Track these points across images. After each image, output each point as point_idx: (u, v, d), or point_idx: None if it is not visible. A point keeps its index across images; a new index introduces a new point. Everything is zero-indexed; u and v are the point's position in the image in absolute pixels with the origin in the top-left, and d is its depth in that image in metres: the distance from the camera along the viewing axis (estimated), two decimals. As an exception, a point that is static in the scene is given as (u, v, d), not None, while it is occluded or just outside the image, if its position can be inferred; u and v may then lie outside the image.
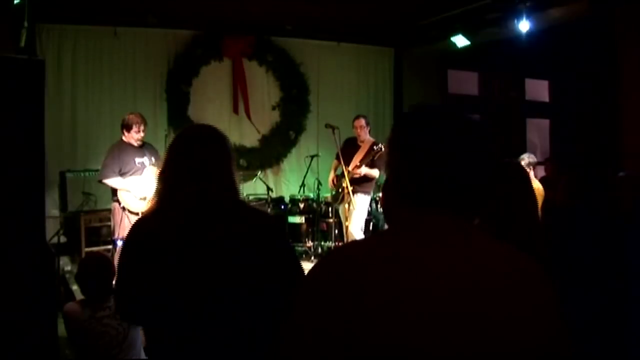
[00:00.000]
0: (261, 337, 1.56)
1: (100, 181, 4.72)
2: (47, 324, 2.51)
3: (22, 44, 4.98)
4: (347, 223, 5.56)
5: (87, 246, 5.60)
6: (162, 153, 5.13)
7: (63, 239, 5.62)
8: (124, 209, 4.60)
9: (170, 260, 1.57)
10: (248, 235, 1.63)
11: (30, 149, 2.59)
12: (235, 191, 1.70)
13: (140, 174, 4.65)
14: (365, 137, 5.55)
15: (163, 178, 1.69)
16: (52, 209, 5.82)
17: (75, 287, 4.70)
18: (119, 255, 1.74)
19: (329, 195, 6.15)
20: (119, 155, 4.63)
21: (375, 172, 5.36)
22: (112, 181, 4.59)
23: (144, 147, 4.78)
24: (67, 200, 5.78)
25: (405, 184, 0.94)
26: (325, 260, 0.94)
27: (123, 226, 4.58)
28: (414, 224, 0.92)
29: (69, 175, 5.81)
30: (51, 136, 5.66)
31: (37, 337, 2.43)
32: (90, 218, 5.69)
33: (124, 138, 4.69)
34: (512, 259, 0.90)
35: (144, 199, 4.61)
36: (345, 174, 5.32)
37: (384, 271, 0.83)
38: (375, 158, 5.28)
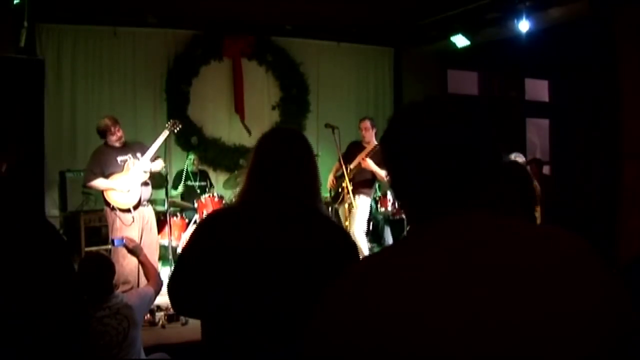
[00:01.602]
0: None
1: (84, 186, 4.75)
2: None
3: (22, 44, 4.99)
4: (346, 223, 5.56)
5: (87, 246, 5.61)
6: (162, 152, 5.15)
7: (63, 239, 5.63)
8: (113, 208, 4.61)
9: (238, 260, 1.56)
10: (321, 252, 1.58)
11: (31, 148, 2.59)
12: (316, 197, 1.68)
13: (122, 170, 4.66)
14: (371, 139, 5.54)
15: (248, 177, 1.68)
16: (52, 209, 5.82)
17: (75, 287, 4.71)
18: (184, 244, 1.72)
19: (328, 195, 6.14)
20: (99, 158, 4.65)
21: (382, 172, 5.36)
22: (94, 183, 4.60)
23: (127, 145, 4.78)
24: (67, 200, 5.78)
25: (409, 182, 0.89)
26: (336, 282, 0.87)
27: (116, 227, 4.59)
28: (432, 228, 0.86)
29: (69, 175, 5.81)
30: (51, 136, 5.68)
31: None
32: (90, 218, 5.70)
33: (106, 142, 4.71)
34: (553, 247, 0.80)
35: (129, 191, 4.61)
36: (346, 174, 5.31)
37: (394, 290, 0.77)
38: (371, 154, 5.28)
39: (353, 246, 1.71)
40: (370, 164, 5.34)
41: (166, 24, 6.57)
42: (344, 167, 5.38)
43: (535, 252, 0.79)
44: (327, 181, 5.91)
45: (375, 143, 5.45)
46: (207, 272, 1.57)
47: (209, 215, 1.73)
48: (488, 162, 0.88)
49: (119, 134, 4.67)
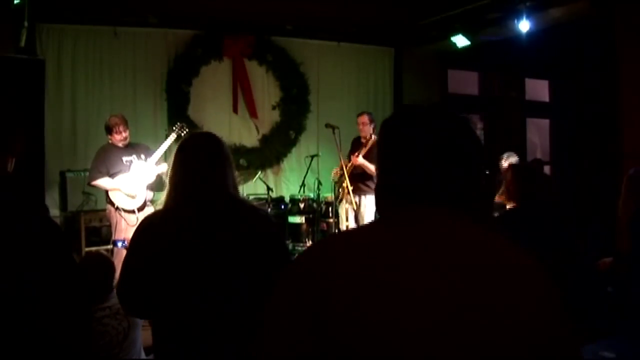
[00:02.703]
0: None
1: (89, 184, 4.73)
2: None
3: (22, 44, 4.99)
4: (346, 223, 5.56)
5: (87, 246, 5.61)
6: (162, 153, 5.15)
7: (63, 239, 5.62)
8: (117, 209, 4.61)
9: (178, 256, 1.69)
10: (249, 236, 1.76)
11: (31, 148, 2.58)
12: (235, 190, 1.87)
13: (128, 171, 4.66)
14: (368, 133, 5.49)
15: (171, 180, 1.85)
16: (53, 209, 5.81)
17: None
18: (127, 249, 1.82)
19: (329, 195, 6.14)
20: (104, 157, 4.64)
21: (373, 167, 5.35)
22: (100, 182, 4.60)
23: (132, 146, 4.77)
24: (67, 200, 5.77)
25: (391, 177, 0.96)
26: (303, 253, 0.96)
27: (120, 228, 4.58)
28: (395, 215, 0.93)
29: (69, 175, 5.81)
30: (51, 136, 5.67)
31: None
32: (90, 218, 5.69)
33: (110, 141, 4.70)
34: (500, 249, 0.87)
35: (134, 197, 4.61)
36: (346, 174, 5.30)
37: (355, 262, 0.84)
38: (369, 150, 5.27)
39: (278, 231, 1.95)
40: (361, 161, 5.31)
41: (166, 24, 6.57)
42: (344, 166, 5.37)
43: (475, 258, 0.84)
44: (327, 181, 5.91)
45: (374, 138, 5.41)
46: (151, 275, 1.70)
47: (144, 220, 1.84)
48: (466, 168, 0.94)
49: (125, 134, 4.66)
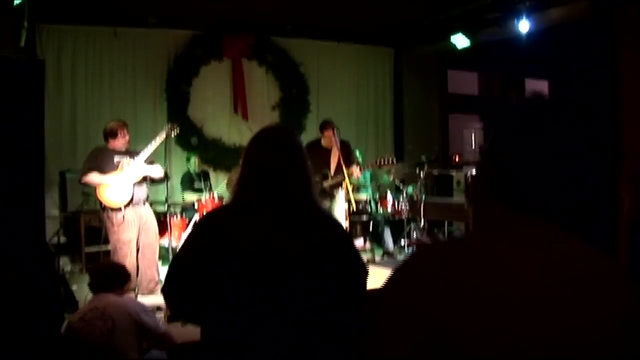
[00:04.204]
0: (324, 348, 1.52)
1: (80, 182, 4.70)
2: (50, 324, 2.51)
3: (22, 44, 4.98)
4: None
5: (87, 246, 5.60)
6: (162, 153, 5.15)
7: (63, 239, 5.62)
8: (104, 209, 4.57)
9: (239, 263, 1.51)
10: (325, 250, 1.57)
11: (30, 149, 2.58)
12: (312, 196, 1.67)
13: (116, 169, 4.63)
14: (336, 142, 5.37)
15: (245, 173, 1.67)
16: (52, 209, 5.82)
17: (75, 287, 4.71)
18: (179, 246, 1.62)
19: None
20: (96, 155, 4.64)
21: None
22: (89, 178, 4.56)
23: (128, 151, 4.74)
24: (67, 200, 5.78)
25: (500, 183, 0.86)
26: (415, 260, 0.88)
27: (113, 230, 4.55)
28: (507, 225, 0.85)
29: (69, 175, 5.81)
30: (51, 136, 5.67)
31: (40, 336, 2.43)
32: (90, 218, 5.69)
33: (108, 145, 4.68)
34: (604, 270, 0.84)
35: (120, 188, 4.60)
36: (346, 174, 5.22)
37: (478, 274, 0.79)
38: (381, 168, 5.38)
39: (348, 236, 1.73)
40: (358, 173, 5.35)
41: (166, 24, 6.57)
42: (344, 168, 5.32)
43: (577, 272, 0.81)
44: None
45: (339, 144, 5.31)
46: (205, 275, 1.51)
47: (206, 215, 1.67)
48: (585, 178, 0.84)
49: (128, 137, 4.69)
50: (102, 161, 4.62)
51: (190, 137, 6.77)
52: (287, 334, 1.49)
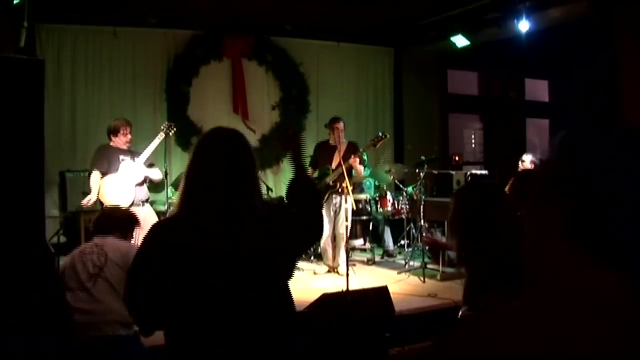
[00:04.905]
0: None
1: (89, 173, 4.77)
2: (50, 324, 2.52)
3: (22, 44, 4.98)
4: (346, 223, 5.50)
5: (87, 246, 5.60)
6: (162, 153, 5.15)
7: (63, 239, 5.62)
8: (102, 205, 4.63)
9: (190, 270, 1.54)
10: (271, 234, 1.63)
11: (30, 149, 2.58)
12: (259, 194, 1.70)
13: (117, 171, 4.72)
14: (343, 137, 5.51)
15: (186, 183, 1.65)
16: (52, 209, 5.81)
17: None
18: (131, 263, 1.66)
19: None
20: (104, 153, 4.74)
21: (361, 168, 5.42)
22: (91, 178, 4.67)
23: (130, 151, 4.83)
24: (67, 200, 5.77)
25: (586, 227, 0.63)
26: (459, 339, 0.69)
27: None
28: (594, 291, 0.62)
29: (69, 175, 5.81)
30: (51, 136, 5.67)
31: (41, 336, 2.43)
32: (90, 218, 5.65)
33: (111, 143, 4.78)
34: None
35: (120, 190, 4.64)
36: (345, 174, 5.21)
37: None
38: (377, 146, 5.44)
39: (290, 217, 1.77)
40: (358, 165, 5.37)
41: (166, 24, 6.57)
42: (344, 168, 5.31)
43: None
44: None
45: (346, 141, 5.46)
46: (163, 285, 1.54)
47: (153, 227, 1.66)
48: None
49: (131, 136, 4.78)
50: (110, 161, 4.70)
51: (190, 137, 6.77)
52: (241, 326, 1.55)
